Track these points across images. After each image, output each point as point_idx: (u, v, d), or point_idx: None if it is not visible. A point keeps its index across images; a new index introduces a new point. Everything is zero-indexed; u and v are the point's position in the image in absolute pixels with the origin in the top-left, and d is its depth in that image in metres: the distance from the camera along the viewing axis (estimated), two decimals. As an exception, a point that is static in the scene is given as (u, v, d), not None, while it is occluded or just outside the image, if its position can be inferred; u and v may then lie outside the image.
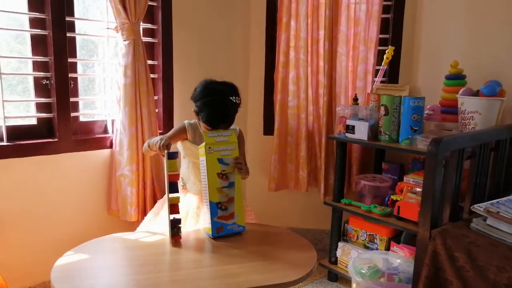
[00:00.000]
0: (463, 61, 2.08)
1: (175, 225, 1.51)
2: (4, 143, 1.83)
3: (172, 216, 1.51)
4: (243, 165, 1.61)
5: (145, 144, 1.78)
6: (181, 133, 1.81)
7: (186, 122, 1.83)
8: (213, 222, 1.53)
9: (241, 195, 1.60)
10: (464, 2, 2.20)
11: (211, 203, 1.52)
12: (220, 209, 1.54)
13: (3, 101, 1.82)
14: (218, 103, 1.66)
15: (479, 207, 1.50)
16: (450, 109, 2.06)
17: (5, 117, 1.84)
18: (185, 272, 1.32)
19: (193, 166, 1.80)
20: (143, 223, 1.86)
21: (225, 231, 1.55)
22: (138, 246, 1.50)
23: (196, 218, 1.78)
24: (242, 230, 1.60)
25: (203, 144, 1.52)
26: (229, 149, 1.56)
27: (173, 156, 1.53)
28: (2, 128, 1.84)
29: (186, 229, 1.65)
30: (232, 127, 1.83)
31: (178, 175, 1.54)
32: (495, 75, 1.99)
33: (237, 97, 1.69)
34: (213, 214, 1.53)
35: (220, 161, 1.54)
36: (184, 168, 1.86)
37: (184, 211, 1.78)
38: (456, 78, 2.06)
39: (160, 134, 2.17)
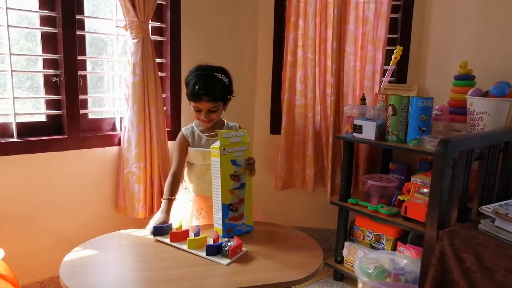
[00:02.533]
0: (472, 62, 2.06)
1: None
2: (14, 139, 1.86)
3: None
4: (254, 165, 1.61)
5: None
6: (183, 144, 1.80)
7: (182, 130, 1.83)
8: (224, 224, 1.53)
9: (250, 196, 1.59)
10: (473, 2, 2.19)
11: (223, 205, 1.52)
12: (231, 210, 1.54)
13: (14, 98, 1.84)
14: (202, 75, 1.70)
15: (487, 208, 1.49)
16: (458, 110, 2.05)
17: (15, 114, 1.86)
18: (191, 269, 1.33)
19: (194, 168, 1.80)
20: (152, 221, 1.86)
21: (234, 231, 1.55)
22: (145, 243, 1.51)
23: (201, 220, 1.78)
24: (250, 230, 1.60)
25: (217, 144, 1.49)
26: (242, 150, 1.55)
27: (157, 232, 1.53)
28: (13, 124, 1.86)
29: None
30: (232, 124, 1.83)
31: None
32: (505, 75, 1.98)
33: (223, 75, 1.72)
34: (224, 215, 1.52)
35: (233, 162, 1.52)
36: (186, 171, 1.86)
37: (189, 214, 1.78)
38: (465, 79, 2.05)
39: (168, 131, 2.19)
